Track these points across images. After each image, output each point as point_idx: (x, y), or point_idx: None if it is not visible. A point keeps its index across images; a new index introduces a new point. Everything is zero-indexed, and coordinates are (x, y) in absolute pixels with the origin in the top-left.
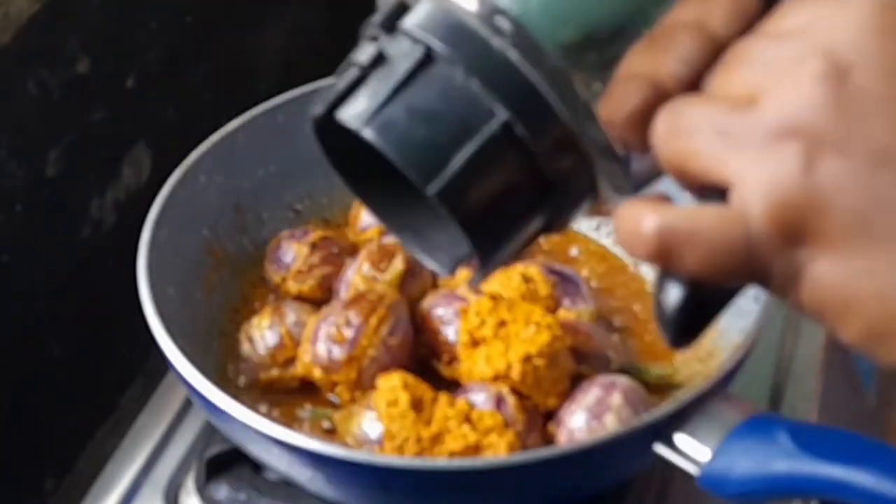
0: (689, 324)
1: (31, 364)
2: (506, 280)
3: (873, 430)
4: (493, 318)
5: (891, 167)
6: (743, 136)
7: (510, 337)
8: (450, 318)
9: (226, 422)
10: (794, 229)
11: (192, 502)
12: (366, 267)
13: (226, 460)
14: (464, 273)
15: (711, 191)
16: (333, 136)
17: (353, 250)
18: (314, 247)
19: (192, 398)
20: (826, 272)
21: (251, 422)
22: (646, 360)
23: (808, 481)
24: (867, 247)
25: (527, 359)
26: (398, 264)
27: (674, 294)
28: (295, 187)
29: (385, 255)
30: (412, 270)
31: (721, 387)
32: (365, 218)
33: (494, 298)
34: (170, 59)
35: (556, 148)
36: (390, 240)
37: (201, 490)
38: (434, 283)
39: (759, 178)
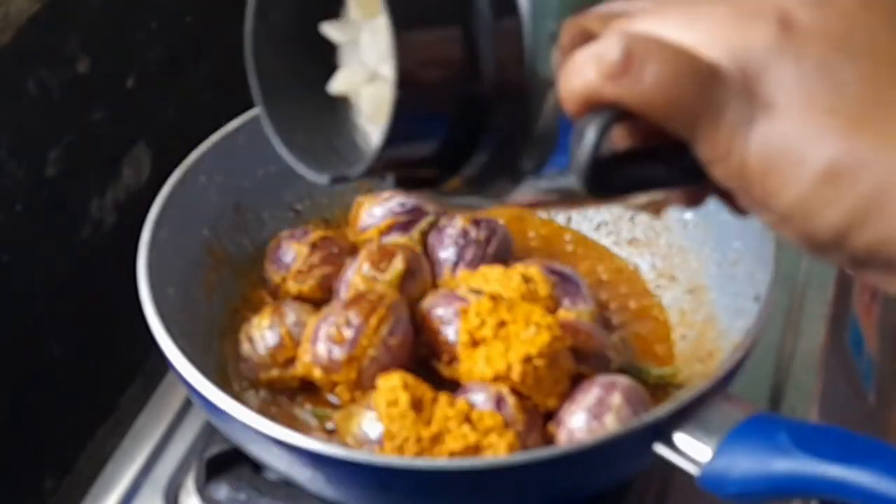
0: (607, 168)
1: (31, 364)
2: (506, 280)
3: (873, 429)
4: (493, 318)
5: (871, 9)
6: (713, 15)
7: (510, 337)
8: (450, 318)
9: (226, 422)
10: (759, 76)
11: (192, 502)
12: (366, 267)
13: (226, 460)
14: (464, 274)
15: None
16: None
17: (353, 250)
18: (314, 247)
19: (192, 398)
20: (785, 116)
21: (251, 422)
22: (646, 360)
23: (808, 481)
24: (838, 82)
25: (527, 359)
26: (398, 264)
27: (593, 126)
28: (295, 187)
29: (385, 255)
30: (412, 270)
31: (721, 387)
32: (365, 218)
33: (494, 299)
34: (170, 59)
35: (504, 42)
36: (390, 240)
37: (201, 490)
38: (434, 284)
39: (730, 38)
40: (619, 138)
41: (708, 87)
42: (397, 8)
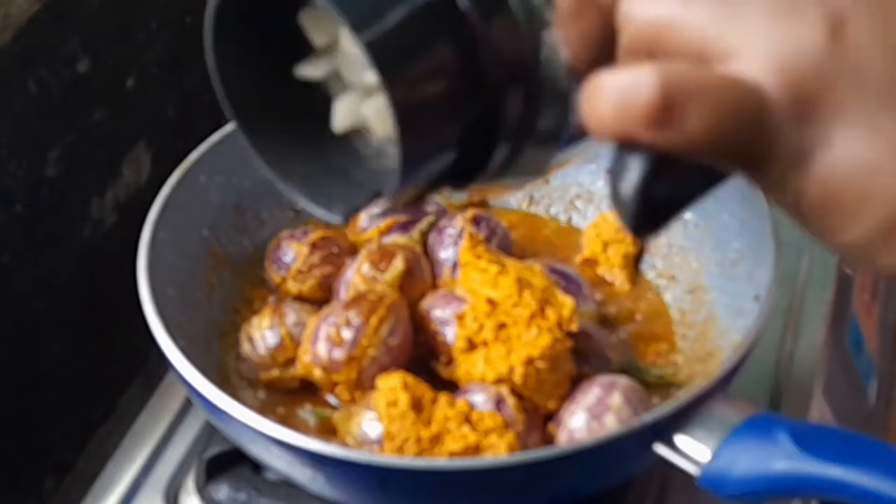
0: (651, 207)
1: (31, 364)
2: (501, 285)
3: (873, 429)
4: (491, 321)
5: None
6: (749, 3)
7: (511, 339)
8: (448, 319)
9: (226, 422)
10: (813, 100)
11: (192, 502)
12: (366, 267)
13: (226, 460)
14: (465, 272)
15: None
16: (235, 46)
17: (353, 250)
18: (314, 247)
19: (192, 398)
20: (847, 148)
21: (251, 422)
22: (646, 360)
23: (808, 481)
24: None
25: (529, 362)
26: (398, 264)
27: (636, 167)
28: None
29: (385, 255)
30: (412, 270)
31: (721, 387)
32: (365, 218)
33: (491, 302)
34: (170, 59)
35: (501, 40)
36: (390, 240)
37: (201, 490)
38: (434, 284)
39: (772, 45)
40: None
41: (757, 123)
42: (376, 47)
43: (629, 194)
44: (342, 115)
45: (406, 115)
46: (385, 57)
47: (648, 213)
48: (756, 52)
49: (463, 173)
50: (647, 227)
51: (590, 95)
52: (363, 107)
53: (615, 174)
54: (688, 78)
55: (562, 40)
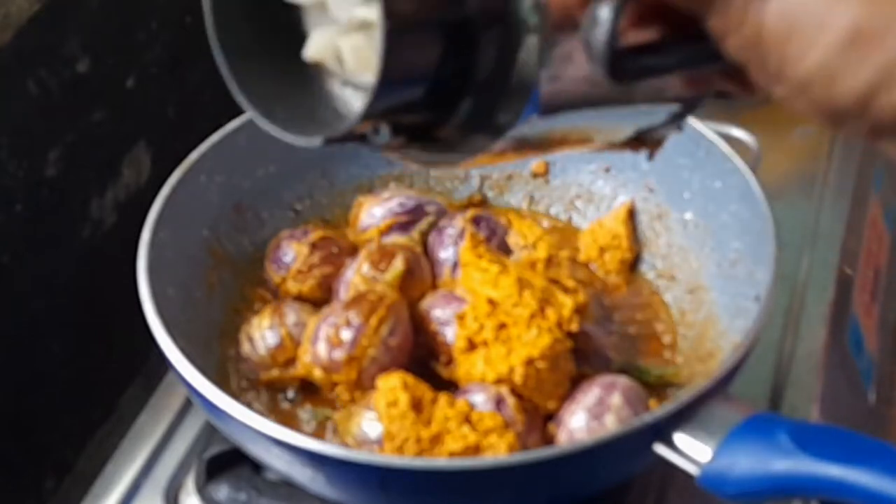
0: (624, 52)
1: (31, 364)
2: (501, 285)
3: (873, 429)
4: (491, 321)
5: None
6: None
7: (512, 340)
8: (448, 318)
9: (226, 422)
10: None
11: (192, 502)
12: (366, 267)
13: (226, 460)
14: (465, 272)
15: None
16: None
17: (353, 250)
18: (314, 247)
19: (192, 398)
20: None
21: (251, 422)
22: (646, 360)
23: (808, 481)
24: None
25: (529, 362)
26: (398, 264)
27: (606, 11)
28: (295, 187)
29: (385, 255)
30: (412, 270)
31: (721, 387)
32: (365, 218)
33: (492, 302)
34: (170, 59)
35: None
36: (390, 240)
37: (201, 490)
38: (434, 284)
39: None
40: (630, 30)
41: None
42: None
43: (601, 39)
44: (317, 43)
45: (390, 7)
46: None
47: (621, 58)
48: None
49: (424, 130)
50: (621, 72)
51: None
52: (342, 41)
53: (587, 31)
54: None
55: None
